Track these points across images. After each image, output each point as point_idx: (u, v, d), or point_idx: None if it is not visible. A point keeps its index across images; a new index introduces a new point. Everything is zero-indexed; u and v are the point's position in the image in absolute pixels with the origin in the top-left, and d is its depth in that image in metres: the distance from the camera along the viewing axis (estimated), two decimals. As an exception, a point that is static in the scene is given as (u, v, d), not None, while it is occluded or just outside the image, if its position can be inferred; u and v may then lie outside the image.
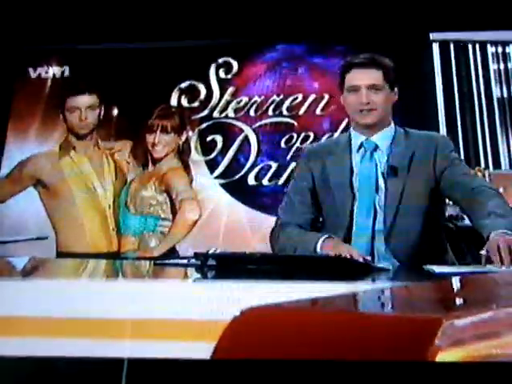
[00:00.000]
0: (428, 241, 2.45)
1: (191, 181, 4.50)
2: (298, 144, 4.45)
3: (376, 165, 2.55)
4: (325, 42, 4.53)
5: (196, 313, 1.10)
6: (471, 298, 1.46)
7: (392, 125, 2.60)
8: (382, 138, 2.57)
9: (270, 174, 4.46)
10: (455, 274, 1.90)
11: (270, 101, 4.59)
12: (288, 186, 2.80)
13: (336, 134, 4.32)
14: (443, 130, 4.26)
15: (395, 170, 2.51)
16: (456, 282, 1.75)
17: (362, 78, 2.54)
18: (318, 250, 2.36)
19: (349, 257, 2.18)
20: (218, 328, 1.00)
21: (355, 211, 2.50)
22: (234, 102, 4.62)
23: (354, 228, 2.48)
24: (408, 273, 2.12)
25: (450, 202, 2.73)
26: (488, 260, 2.12)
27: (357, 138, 2.59)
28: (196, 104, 4.66)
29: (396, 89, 2.60)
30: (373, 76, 2.53)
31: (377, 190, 2.52)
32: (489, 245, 2.14)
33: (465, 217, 2.80)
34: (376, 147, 2.56)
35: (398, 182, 2.50)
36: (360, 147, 2.58)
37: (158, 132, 4.53)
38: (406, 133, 2.62)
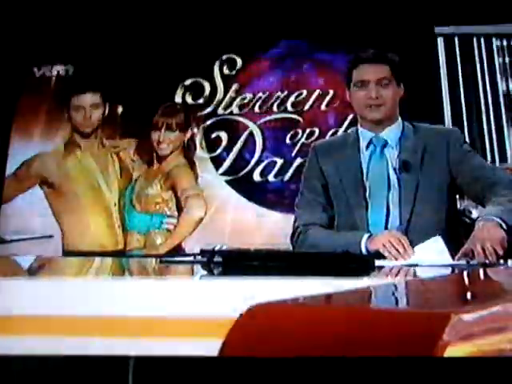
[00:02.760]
0: (446, 236, 2.43)
1: (196, 178, 4.50)
2: (303, 140, 4.44)
3: (387, 161, 2.53)
4: (329, 37, 4.52)
5: (203, 310, 1.10)
6: (480, 292, 1.46)
7: (399, 120, 2.59)
8: (391, 133, 2.56)
9: (275, 170, 4.45)
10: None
11: (274, 97, 4.58)
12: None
13: (341, 130, 4.32)
14: (449, 123, 4.24)
15: (408, 164, 2.50)
16: (464, 276, 1.75)
17: (371, 72, 2.53)
18: (363, 248, 2.34)
19: (401, 248, 2.18)
20: (225, 325, 0.99)
21: (369, 209, 2.49)
22: (239, 98, 4.61)
23: (368, 226, 2.47)
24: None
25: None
26: (468, 255, 2.12)
27: (365, 135, 2.58)
28: (200, 101, 4.66)
29: (402, 84, 2.59)
30: (381, 70, 2.52)
31: (389, 186, 2.51)
32: (472, 241, 2.14)
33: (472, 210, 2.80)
34: (386, 143, 2.55)
35: (411, 178, 2.49)
36: (369, 144, 2.57)
37: (163, 130, 4.53)
38: (415, 127, 2.60)
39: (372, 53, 2.58)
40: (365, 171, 2.55)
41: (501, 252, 2.09)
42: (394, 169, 2.52)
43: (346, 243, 2.37)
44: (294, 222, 2.68)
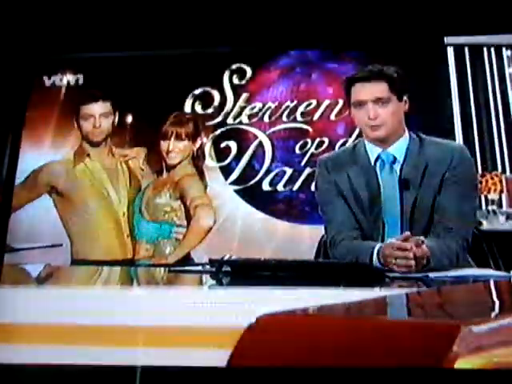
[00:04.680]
0: None
1: (205, 187, 4.50)
2: (312, 150, 4.43)
3: (397, 177, 2.52)
4: (338, 47, 4.52)
5: (211, 320, 1.09)
6: (490, 304, 1.44)
7: (406, 134, 2.58)
8: (399, 148, 2.55)
9: (284, 180, 4.44)
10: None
11: (283, 106, 4.57)
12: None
13: (350, 140, 4.28)
14: (459, 134, 4.22)
15: (407, 182, 2.49)
16: (474, 288, 1.73)
17: (367, 92, 2.52)
18: (375, 260, 2.33)
19: (403, 260, 2.18)
20: (234, 335, 0.99)
21: (385, 226, 2.49)
22: (248, 108, 4.61)
23: (384, 241, 2.46)
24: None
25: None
26: None
27: (373, 150, 2.58)
28: (210, 110, 4.65)
29: (405, 97, 2.57)
30: (378, 89, 2.51)
31: (402, 202, 2.50)
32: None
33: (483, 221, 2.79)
34: (394, 159, 2.54)
35: (409, 196, 2.48)
36: (377, 158, 2.56)
37: (172, 139, 4.53)
38: (421, 142, 2.59)
39: (367, 70, 2.57)
40: (380, 187, 2.54)
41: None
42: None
43: (359, 254, 2.37)
44: (326, 234, 2.68)
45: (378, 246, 2.38)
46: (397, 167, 2.55)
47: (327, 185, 2.67)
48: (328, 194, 2.66)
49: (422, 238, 2.27)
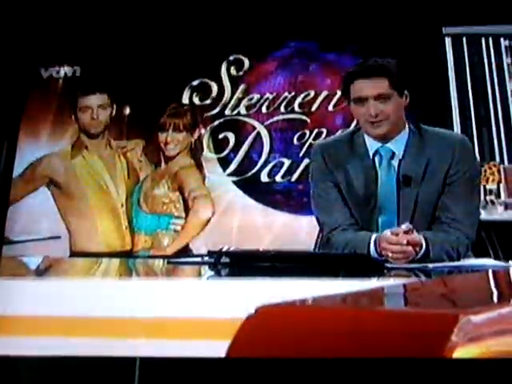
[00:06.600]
0: None
1: (204, 178, 4.50)
2: (310, 140, 4.43)
3: (395, 173, 2.51)
4: (337, 38, 4.51)
5: (210, 311, 1.09)
6: (488, 294, 1.45)
7: (406, 128, 2.56)
8: (398, 143, 2.53)
9: (282, 171, 4.45)
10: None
11: (281, 97, 4.57)
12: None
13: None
14: (457, 124, 4.23)
15: (409, 179, 2.48)
16: (472, 278, 1.74)
17: (368, 88, 2.48)
18: (372, 250, 2.33)
19: (399, 255, 2.18)
20: (233, 326, 0.99)
21: (379, 223, 2.48)
22: (246, 99, 4.61)
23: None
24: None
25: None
26: None
27: (372, 144, 2.56)
28: (208, 102, 4.65)
29: (406, 92, 2.55)
30: (379, 85, 2.48)
31: (398, 198, 2.49)
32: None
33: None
34: (393, 154, 2.52)
35: (411, 193, 2.47)
36: (376, 153, 2.55)
37: (170, 130, 4.53)
38: (421, 135, 2.56)
39: (367, 66, 2.53)
40: (378, 182, 2.53)
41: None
42: (399, 181, 2.51)
43: (356, 245, 2.37)
44: (320, 228, 2.67)
45: (374, 236, 2.38)
46: (395, 162, 2.54)
47: (324, 175, 2.65)
48: (324, 184, 2.64)
49: (408, 225, 2.28)
